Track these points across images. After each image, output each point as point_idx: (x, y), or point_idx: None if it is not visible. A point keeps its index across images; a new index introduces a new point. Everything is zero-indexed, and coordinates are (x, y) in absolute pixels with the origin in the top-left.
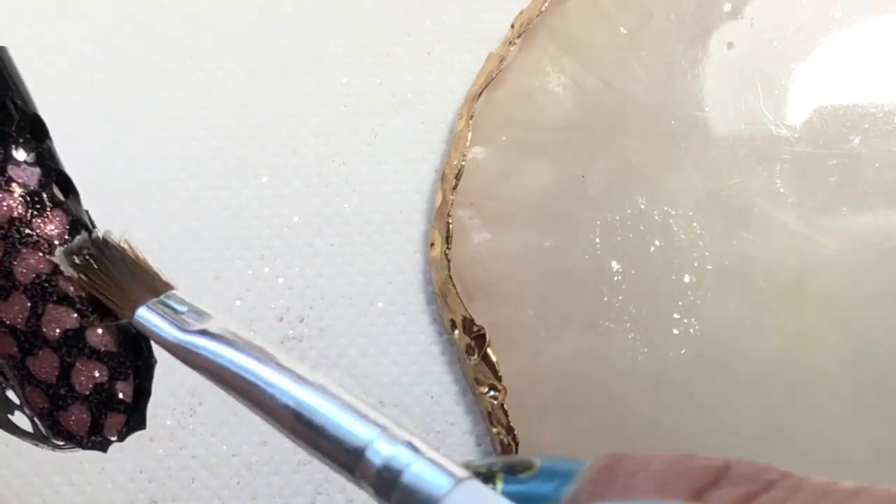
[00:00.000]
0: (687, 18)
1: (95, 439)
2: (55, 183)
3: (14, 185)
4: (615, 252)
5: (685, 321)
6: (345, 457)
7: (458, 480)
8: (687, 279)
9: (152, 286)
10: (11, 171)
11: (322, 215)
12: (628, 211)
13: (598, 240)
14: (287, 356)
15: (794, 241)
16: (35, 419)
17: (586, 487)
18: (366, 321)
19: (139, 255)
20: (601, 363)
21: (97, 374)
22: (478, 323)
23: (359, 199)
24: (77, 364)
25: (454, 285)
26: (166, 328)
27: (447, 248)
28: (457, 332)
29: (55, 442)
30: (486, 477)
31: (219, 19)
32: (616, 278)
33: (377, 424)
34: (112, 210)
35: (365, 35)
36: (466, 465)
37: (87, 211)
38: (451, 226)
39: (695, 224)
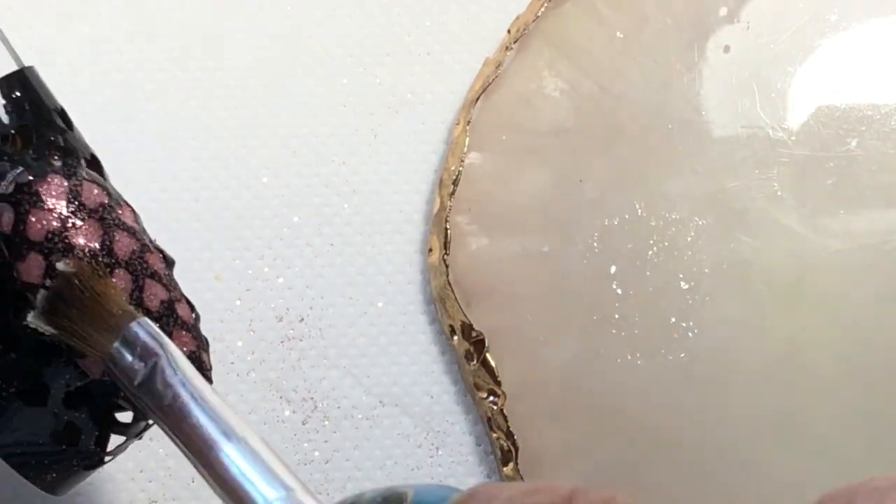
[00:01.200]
0: (683, 22)
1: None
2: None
3: (91, 180)
4: (613, 256)
5: (684, 325)
6: None
7: None
8: (685, 283)
9: (111, 325)
10: (83, 172)
11: (322, 215)
12: (626, 215)
13: (596, 244)
14: (223, 404)
15: (792, 243)
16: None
17: None
18: (366, 321)
19: (93, 287)
20: (600, 367)
21: (188, 343)
22: (476, 328)
23: (359, 200)
24: (174, 333)
25: (453, 291)
26: (124, 381)
27: (445, 253)
28: (456, 337)
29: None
30: None
31: (219, 19)
32: (614, 283)
33: (284, 486)
34: None
35: (365, 35)
36: (344, 502)
37: None
38: (449, 231)
39: (693, 227)
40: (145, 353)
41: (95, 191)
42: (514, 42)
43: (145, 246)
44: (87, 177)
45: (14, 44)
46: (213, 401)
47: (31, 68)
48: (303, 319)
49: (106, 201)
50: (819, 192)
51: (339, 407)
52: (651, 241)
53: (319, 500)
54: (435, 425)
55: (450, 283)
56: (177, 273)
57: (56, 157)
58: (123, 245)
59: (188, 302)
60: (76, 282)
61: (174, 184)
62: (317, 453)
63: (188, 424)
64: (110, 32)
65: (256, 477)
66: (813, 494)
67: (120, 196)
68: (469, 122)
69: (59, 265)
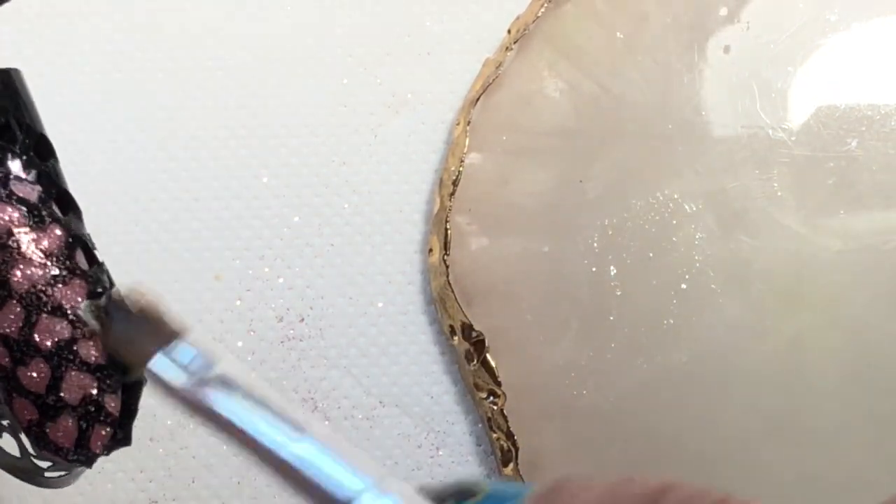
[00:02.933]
0: (683, 22)
1: (81, 452)
2: (55, 201)
3: (15, 198)
4: (613, 257)
5: (683, 325)
6: None
7: None
8: (685, 283)
9: (161, 337)
10: (13, 185)
11: (322, 215)
12: (626, 215)
13: (595, 244)
14: (286, 401)
15: (792, 243)
16: (21, 435)
17: None
18: (366, 321)
19: (147, 305)
20: (600, 368)
21: (87, 386)
22: (477, 328)
23: (359, 200)
24: (68, 374)
25: (453, 291)
26: (172, 380)
27: (445, 253)
28: (456, 337)
29: (39, 465)
30: None
31: (219, 19)
32: (614, 283)
33: (367, 477)
34: (113, 210)
35: (365, 35)
36: (421, 489)
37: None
38: (449, 232)
39: (693, 227)
40: (203, 356)
41: (8, 213)
42: (515, 43)
43: (57, 277)
44: (2, 197)
45: (15, 43)
46: (274, 403)
47: (15, 70)
48: (303, 320)
49: (12, 227)
50: (819, 193)
51: (339, 407)
52: (651, 242)
53: (404, 483)
54: (435, 425)
55: (450, 284)
56: (177, 273)
57: None
58: (23, 276)
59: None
60: (126, 303)
61: (174, 184)
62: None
63: (251, 432)
64: (110, 32)
65: (338, 470)
66: (813, 494)
67: (54, 214)
68: (469, 122)
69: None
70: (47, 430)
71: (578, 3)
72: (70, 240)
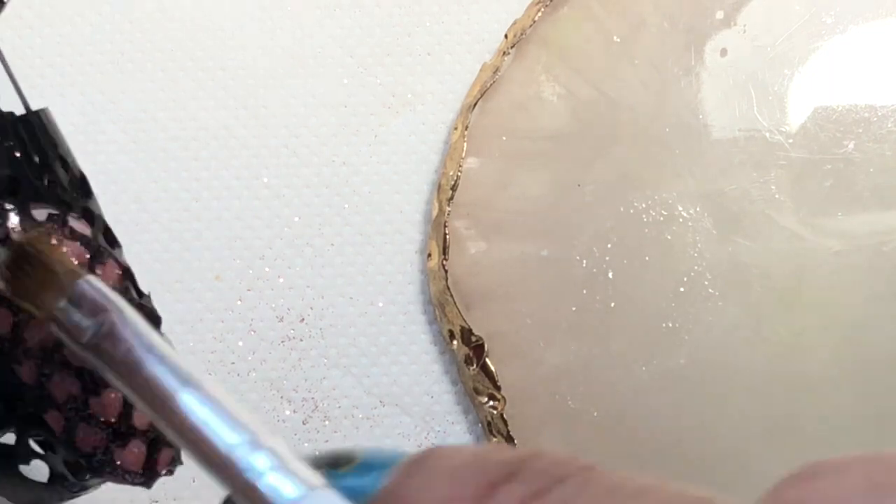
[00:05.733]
0: (680, 26)
1: (148, 474)
2: (102, 235)
3: (77, 235)
4: (612, 260)
5: (682, 328)
6: (216, 459)
7: (309, 489)
8: (684, 286)
9: (56, 285)
10: (72, 223)
11: (322, 215)
12: (624, 219)
13: (594, 248)
14: (170, 348)
15: (790, 245)
16: (74, 461)
17: (392, 479)
18: (366, 321)
19: (42, 248)
20: (599, 371)
21: None
22: (476, 333)
23: (359, 200)
24: None
25: (452, 295)
26: (72, 342)
27: (444, 258)
28: (455, 342)
29: (62, 491)
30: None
31: (219, 19)
32: (613, 286)
33: (247, 430)
34: (113, 211)
35: (365, 35)
36: (308, 459)
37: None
38: (447, 236)
39: (691, 231)
40: (93, 311)
41: (70, 251)
42: (512, 47)
43: None
44: (65, 233)
45: (15, 46)
46: (166, 351)
47: (45, 110)
48: (303, 319)
49: (84, 262)
50: (816, 195)
51: (339, 407)
52: (649, 245)
53: (284, 441)
54: (435, 425)
55: (449, 288)
56: (177, 273)
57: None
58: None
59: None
60: (26, 248)
61: (174, 184)
62: (317, 453)
63: (143, 377)
64: (111, 33)
65: (217, 422)
66: None
67: (106, 247)
68: (467, 127)
69: (14, 235)
70: (115, 456)
71: (575, 6)
72: (124, 273)
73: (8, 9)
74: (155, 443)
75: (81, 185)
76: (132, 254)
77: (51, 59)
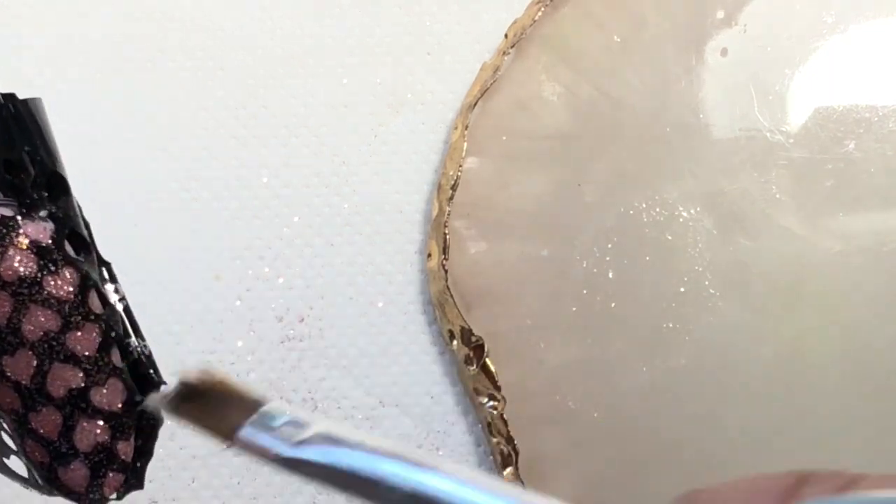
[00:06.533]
0: (680, 25)
1: (94, 496)
2: (68, 240)
3: (27, 241)
4: (612, 260)
5: (683, 328)
6: None
7: None
8: (684, 286)
9: (243, 406)
10: (24, 226)
11: (322, 215)
12: (625, 219)
13: (595, 248)
14: (396, 442)
15: (791, 245)
16: (32, 469)
17: None
18: (366, 321)
19: (221, 379)
20: (600, 372)
21: (99, 433)
22: (476, 333)
23: (359, 200)
24: (80, 423)
25: (452, 296)
26: (267, 446)
27: (444, 258)
28: (455, 342)
29: (49, 489)
30: None
31: (219, 19)
32: (613, 287)
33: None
34: (113, 211)
35: (365, 35)
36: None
37: (109, 263)
38: (447, 236)
39: (691, 230)
40: (293, 420)
41: (17, 260)
42: (512, 47)
43: (70, 323)
44: (14, 241)
45: (15, 46)
46: (386, 445)
47: (34, 100)
48: (303, 320)
49: (31, 272)
50: (817, 195)
51: (339, 407)
52: (649, 245)
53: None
54: (435, 426)
55: (449, 288)
56: (177, 273)
57: None
58: (37, 324)
59: (123, 380)
60: (197, 386)
61: (174, 184)
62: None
63: (359, 475)
64: (110, 33)
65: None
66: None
67: (67, 256)
68: (467, 126)
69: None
70: (59, 475)
71: (576, 6)
72: (82, 282)
73: (7, 8)
74: (99, 466)
75: (53, 184)
76: (132, 254)
77: (51, 58)
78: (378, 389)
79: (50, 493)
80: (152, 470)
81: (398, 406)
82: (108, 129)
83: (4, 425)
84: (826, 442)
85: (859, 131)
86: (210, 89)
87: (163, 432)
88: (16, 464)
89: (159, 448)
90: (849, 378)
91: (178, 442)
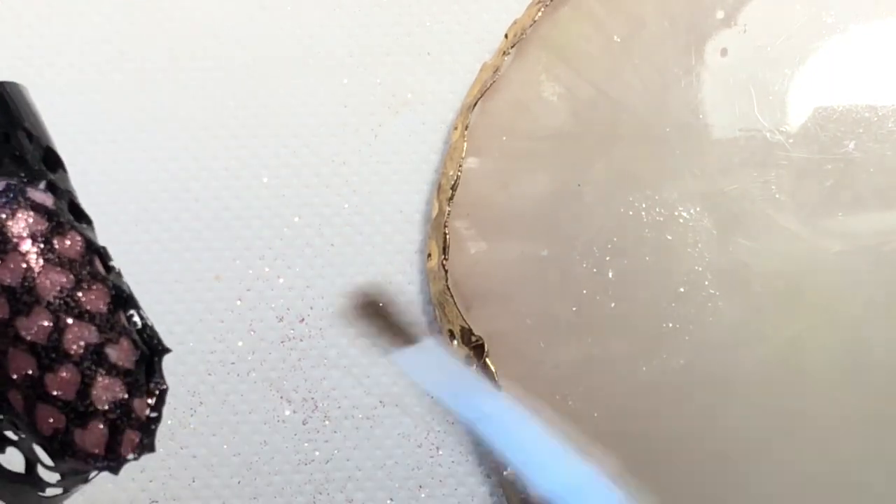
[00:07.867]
0: (680, 26)
1: (111, 458)
2: (68, 209)
3: (32, 205)
4: (612, 260)
5: (682, 328)
6: None
7: None
8: (684, 286)
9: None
10: (31, 194)
11: (322, 215)
12: (624, 219)
13: (595, 248)
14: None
15: (790, 245)
16: (38, 445)
17: None
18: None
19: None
20: (599, 371)
21: (117, 390)
22: (476, 333)
23: (359, 200)
24: (97, 380)
25: (452, 296)
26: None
27: (444, 258)
28: (455, 342)
29: (42, 480)
30: None
31: (218, 19)
32: (613, 287)
33: None
34: (113, 210)
35: (365, 35)
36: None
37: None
38: (447, 236)
39: (691, 231)
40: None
41: (28, 221)
42: (512, 47)
43: (81, 282)
44: (21, 203)
45: (14, 45)
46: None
47: (11, 84)
48: (303, 319)
49: (42, 231)
50: (817, 195)
51: (339, 407)
52: (649, 245)
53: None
54: (435, 425)
55: (449, 289)
56: (177, 273)
57: None
58: (53, 280)
59: (133, 341)
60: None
61: (174, 184)
62: (317, 453)
63: None
64: (110, 32)
65: None
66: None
67: (71, 221)
68: (467, 127)
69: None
70: (75, 438)
71: (575, 6)
72: (88, 245)
73: (7, 8)
74: (117, 424)
75: (48, 158)
76: (132, 253)
77: (50, 58)
78: (378, 389)
79: (57, 468)
80: (153, 470)
81: (398, 406)
82: (108, 129)
83: (4, 411)
84: (826, 442)
85: (859, 131)
86: (210, 89)
87: (163, 432)
88: (15, 463)
89: (159, 448)
90: (849, 378)
91: (178, 442)
